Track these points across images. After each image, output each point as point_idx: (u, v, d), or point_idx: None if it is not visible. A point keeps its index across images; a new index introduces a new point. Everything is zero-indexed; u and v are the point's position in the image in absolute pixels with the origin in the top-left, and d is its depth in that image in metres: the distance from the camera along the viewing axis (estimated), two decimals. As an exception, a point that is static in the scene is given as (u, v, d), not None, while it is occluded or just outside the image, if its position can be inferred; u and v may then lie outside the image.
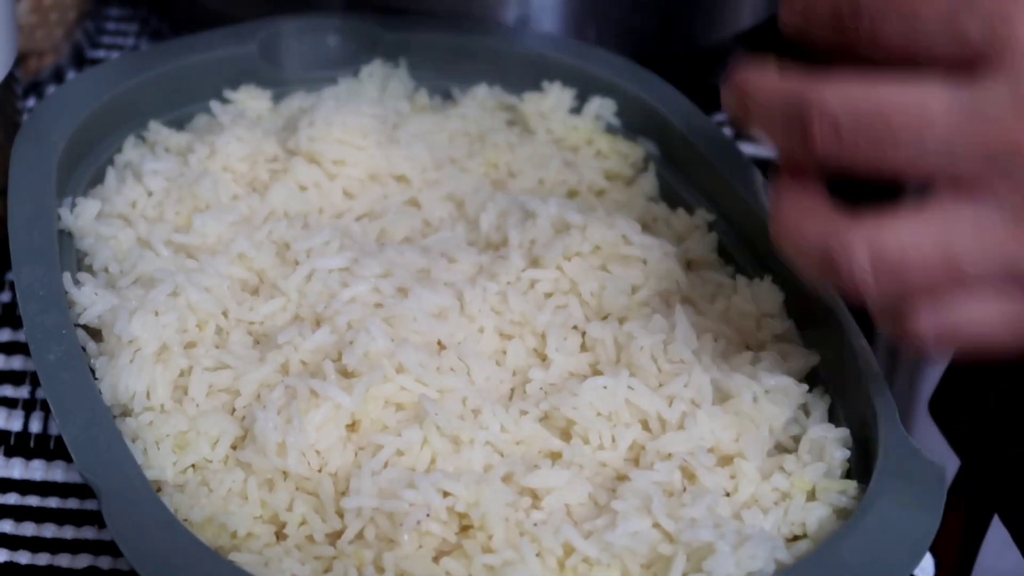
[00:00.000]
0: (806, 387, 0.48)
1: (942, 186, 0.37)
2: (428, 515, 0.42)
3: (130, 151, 0.57)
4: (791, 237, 0.40)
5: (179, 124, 0.59)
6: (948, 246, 0.37)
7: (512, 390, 0.48)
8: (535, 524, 0.42)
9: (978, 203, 0.37)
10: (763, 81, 0.40)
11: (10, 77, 0.55)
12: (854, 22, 0.39)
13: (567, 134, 0.60)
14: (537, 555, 0.41)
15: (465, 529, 0.43)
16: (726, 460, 0.45)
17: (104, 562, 0.48)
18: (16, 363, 0.55)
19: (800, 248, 0.39)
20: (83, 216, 0.52)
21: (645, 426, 0.46)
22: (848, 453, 0.46)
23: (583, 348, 0.49)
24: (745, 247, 0.54)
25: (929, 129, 0.37)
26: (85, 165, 0.56)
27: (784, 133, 0.39)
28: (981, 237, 0.37)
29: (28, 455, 0.51)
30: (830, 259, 0.38)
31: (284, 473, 0.44)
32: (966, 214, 0.37)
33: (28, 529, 0.49)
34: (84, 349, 0.47)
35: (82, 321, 0.48)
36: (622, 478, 0.45)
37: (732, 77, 0.41)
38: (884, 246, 0.37)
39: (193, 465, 0.45)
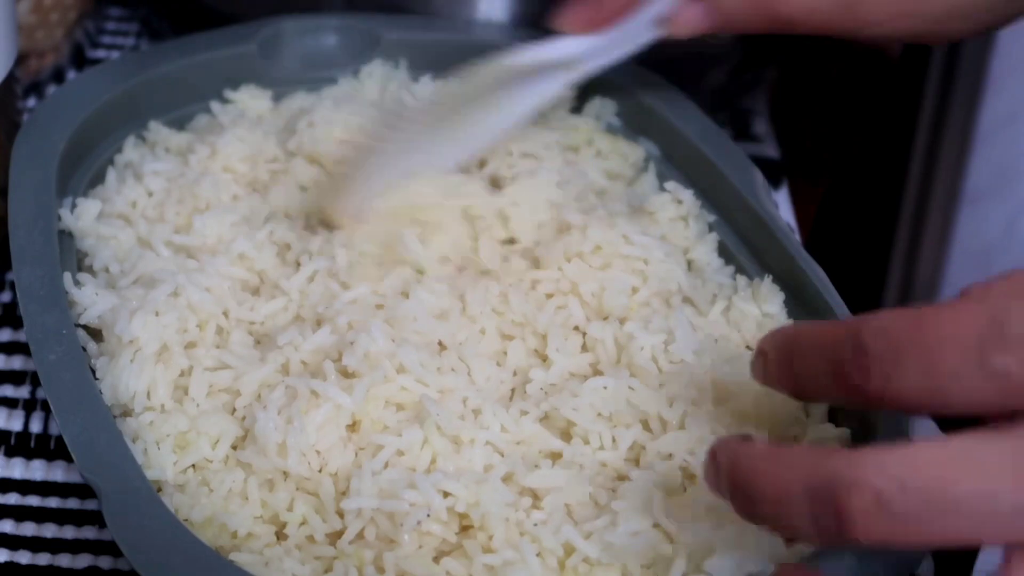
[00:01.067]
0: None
1: (1015, 550, 0.32)
2: (428, 515, 0.42)
3: (130, 151, 0.57)
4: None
5: (179, 124, 0.59)
6: None
7: (513, 390, 0.48)
8: (535, 524, 0.42)
9: None
10: (766, 458, 0.34)
11: (10, 77, 0.55)
12: (862, 379, 0.33)
13: (567, 134, 0.60)
14: (537, 555, 0.41)
15: (465, 529, 0.43)
16: (726, 460, 0.45)
17: (104, 562, 0.48)
18: (16, 363, 0.55)
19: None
20: (83, 216, 0.52)
21: (646, 426, 0.46)
22: (848, 453, 0.46)
23: (583, 348, 0.49)
24: (745, 247, 0.54)
25: (996, 489, 0.31)
26: (85, 165, 0.56)
27: (808, 520, 0.32)
28: None
29: (29, 455, 0.51)
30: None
31: (284, 473, 0.44)
32: None
33: (28, 529, 0.49)
34: (84, 349, 0.47)
35: (82, 321, 0.48)
36: (622, 478, 0.45)
37: (716, 451, 0.35)
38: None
39: (193, 465, 0.45)
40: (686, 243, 0.54)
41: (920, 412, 0.33)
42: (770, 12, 0.47)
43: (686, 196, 0.55)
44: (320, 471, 0.44)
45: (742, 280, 0.53)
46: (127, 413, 0.46)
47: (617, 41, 0.51)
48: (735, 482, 0.34)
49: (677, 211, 0.55)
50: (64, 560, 0.48)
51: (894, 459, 0.31)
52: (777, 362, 0.37)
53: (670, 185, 0.55)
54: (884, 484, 0.31)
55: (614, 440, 0.45)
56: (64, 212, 0.52)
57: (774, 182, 0.67)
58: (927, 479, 0.31)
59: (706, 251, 0.54)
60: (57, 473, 0.51)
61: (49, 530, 0.49)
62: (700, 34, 0.50)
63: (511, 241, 0.53)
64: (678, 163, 0.58)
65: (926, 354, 0.32)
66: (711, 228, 0.55)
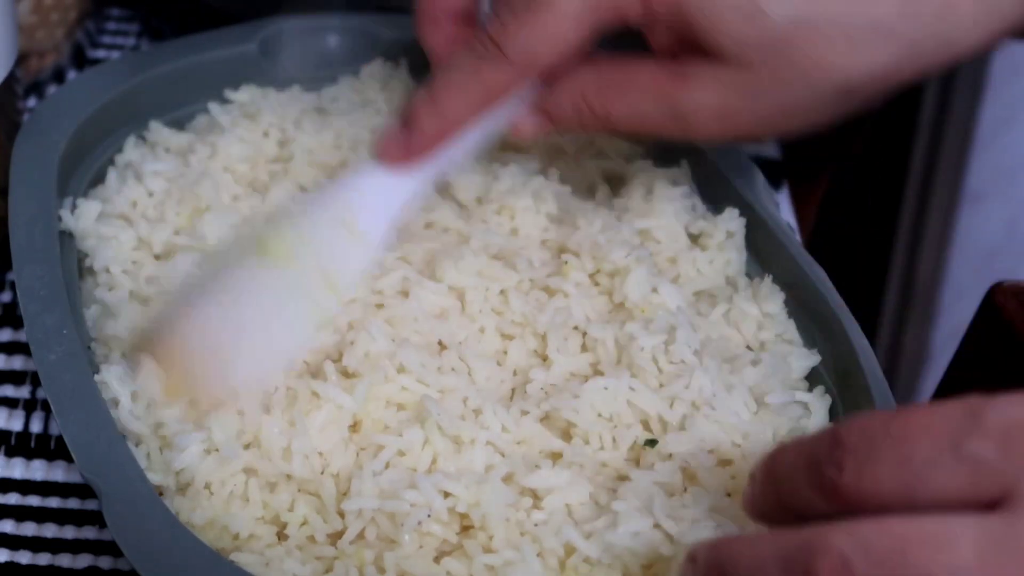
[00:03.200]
0: (806, 387, 0.48)
1: None
2: (429, 515, 0.42)
3: (131, 151, 0.57)
4: None
5: (179, 124, 0.59)
6: None
7: (513, 390, 0.48)
8: (536, 524, 0.43)
9: None
10: (749, 540, 0.34)
11: (11, 77, 0.55)
12: (836, 472, 0.33)
13: (567, 134, 0.59)
14: (538, 555, 0.41)
15: (466, 529, 0.43)
16: (727, 461, 0.45)
17: (105, 562, 0.48)
18: (17, 363, 0.55)
19: None
20: (84, 217, 0.52)
21: (646, 427, 0.46)
22: (848, 453, 0.46)
23: (584, 349, 0.49)
24: (745, 247, 0.54)
25: (958, 566, 0.30)
26: (86, 165, 0.56)
27: None
28: None
29: (29, 455, 0.51)
30: None
31: (287, 475, 0.44)
32: None
33: (29, 529, 0.49)
34: (90, 348, 0.47)
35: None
36: (623, 478, 0.45)
37: (699, 551, 0.35)
38: None
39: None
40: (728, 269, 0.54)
41: (895, 507, 0.32)
42: (600, 122, 0.49)
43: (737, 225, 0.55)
44: (322, 472, 0.44)
45: (742, 280, 0.53)
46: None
47: (450, 156, 0.50)
48: (713, 563, 0.35)
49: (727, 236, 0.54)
50: (64, 560, 0.48)
51: (865, 527, 0.31)
52: (762, 478, 0.36)
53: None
54: (851, 549, 0.31)
55: (614, 440, 0.45)
56: (64, 212, 0.52)
57: (774, 182, 0.67)
58: (892, 549, 0.31)
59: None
60: (57, 473, 0.51)
61: (49, 530, 0.49)
62: (539, 137, 0.52)
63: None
64: (678, 163, 0.58)
65: (900, 443, 0.32)
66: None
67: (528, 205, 0.54)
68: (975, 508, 0.31)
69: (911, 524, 0.31)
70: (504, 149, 0.57)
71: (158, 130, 0.58)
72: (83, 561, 0.48)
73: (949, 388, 0.58)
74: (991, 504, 0.31)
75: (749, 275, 0.53)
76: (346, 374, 0.46)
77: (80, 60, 0.71)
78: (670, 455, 0.45)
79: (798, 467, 0.34)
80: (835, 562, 0.31)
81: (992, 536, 0.30)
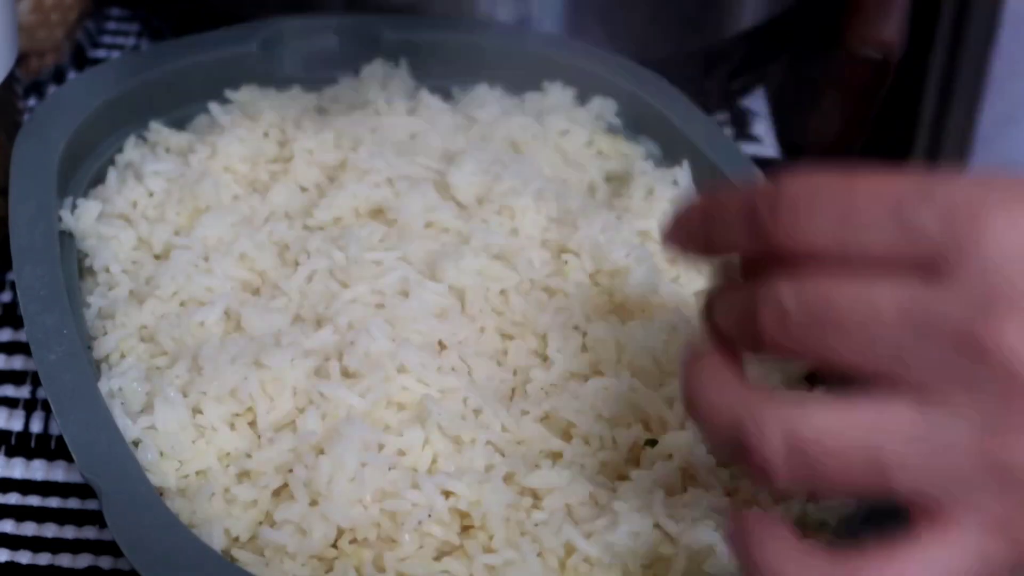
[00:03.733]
0: (807, 386, 0.48)
1: (887, 385, 0.32)
2: (430, 516, 0.42)
3: (131, 151, 0.57)
4: (702, 408, 0.35)
5: (179, 124, 0.59)
6: (875, 447, 0.32)
7: (513, 390, 0.48)
8: (536, 524, 0.43)
9: (926, 408, 0.32)
10: (728, 288, 0.36)
11: (11, 77, 0.55)
12: (772, 220, 0.33)
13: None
14: (538, 555, 0.41)
15: (466, 529, 0.43)
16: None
17: (105, 562, 0.48)
18: (17, 363, 0.55)
19: (710, 421, 0.35)
20: (84, 217, 0.52)
21: (646, 427, 0.46)
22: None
23: (584, 348, 0.49)
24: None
25: (877, 324, 0.32)
26: (86, 165, 0.56)
27: (738, 319, 0.35)
28: (917, 444, 0.32)
29: (29, 455, 0.51)
30: (740, 436, 0.33)
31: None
32: (904, 416, 0.32)
33: (29, 529, 0.49)
34: (90, 348, 0.47)
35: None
36: (623, 478, 0.45)
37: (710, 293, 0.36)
38: (800, 430, 0.33)
39: (196, 471, 0.45)
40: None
41: (826, 260, 0.33)
42: None
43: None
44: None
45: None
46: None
47: None
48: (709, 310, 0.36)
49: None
50: (65, 560, 0.48)
51: (805, 282, 0.33)
52: (698, 209, 0.36)
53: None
54: (790, 301, 0.33)
55: (614, 440, 0.45)
56: (64, 213, 0.52)
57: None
58: (820, 299, 0.32)
59: None
60: (58, 473, 0.51)
61: (50, 530, 0.49)
62: None
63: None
64: (678, 163, 0.58)
65: (843, 200, 0.32)
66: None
67: (528, 205, 0.54)
68: (906, 276, 0.32)
69: (840, 280, 0.32)
70: (504, 149, 0.57)
71: (158, 130, 0.58)
72: (83, 561, 0.48)
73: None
74: (923, 275, 0.31)
75: (749, 275, 0.53)
76: (346, 374, 0.46)
77: (80, 60, 0.71)
78: (670, 455, 0.45)
79: (734, 208, 0.34)
80: (776, 312, 0.33)
81: (916, 301, 0.31)
